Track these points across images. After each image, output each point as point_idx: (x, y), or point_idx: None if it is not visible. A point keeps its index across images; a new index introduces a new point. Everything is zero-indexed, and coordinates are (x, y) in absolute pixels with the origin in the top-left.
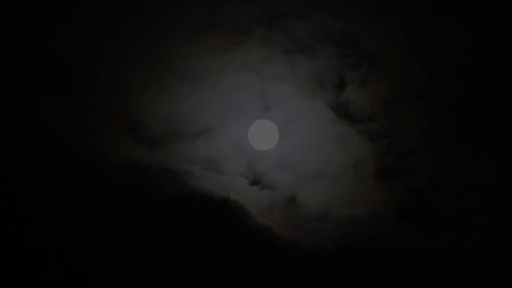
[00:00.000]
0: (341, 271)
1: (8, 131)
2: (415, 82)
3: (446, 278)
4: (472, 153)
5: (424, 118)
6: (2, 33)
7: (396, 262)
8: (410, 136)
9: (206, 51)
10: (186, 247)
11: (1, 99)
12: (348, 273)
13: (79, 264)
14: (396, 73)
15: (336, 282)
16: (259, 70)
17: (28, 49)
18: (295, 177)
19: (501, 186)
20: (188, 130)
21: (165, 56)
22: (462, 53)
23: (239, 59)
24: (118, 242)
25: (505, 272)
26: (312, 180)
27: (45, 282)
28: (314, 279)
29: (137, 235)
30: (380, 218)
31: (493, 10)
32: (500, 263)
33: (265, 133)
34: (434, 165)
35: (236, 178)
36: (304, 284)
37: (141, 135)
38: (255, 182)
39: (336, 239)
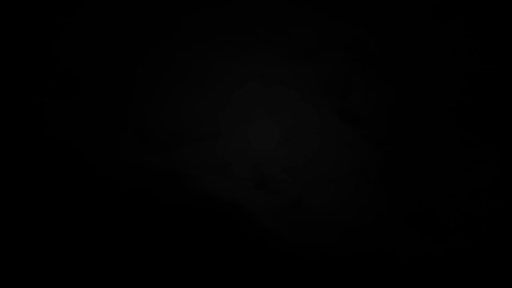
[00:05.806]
0: (346, 276)
1: (11, 135)
2: (420, 87)
3: (450, 281)
4: (478, 158)
5: (429, 122)
6: (3, 36)
7: (402, 266)
8: (415, 141)
9: (212, 55)
10: (192, 252)
11: (3, 104)
12: (354, 278)
13: (83, 269)
14: (402, 77)
15: (342, 286)
16: (265, 74)
17: (31, 53)
18: (301, 181)
19: (506, 190)
20: (194, 135)
21: (171, 61)
22: (467, 58)
23: (245, 63)
24: (123, 247)
25: (508, 275)
26: (318, 185)
27: (48, 285)
28: (320, 283)
29: (143, 239)
30: (386, 223)
31: (499, 15)
32: (504, 267)
33: (270, 137)
34: (439, 169)
35: (242, 183)
36: None
37: (147, 140)
38: (261, 186)
39: (341, 243)
